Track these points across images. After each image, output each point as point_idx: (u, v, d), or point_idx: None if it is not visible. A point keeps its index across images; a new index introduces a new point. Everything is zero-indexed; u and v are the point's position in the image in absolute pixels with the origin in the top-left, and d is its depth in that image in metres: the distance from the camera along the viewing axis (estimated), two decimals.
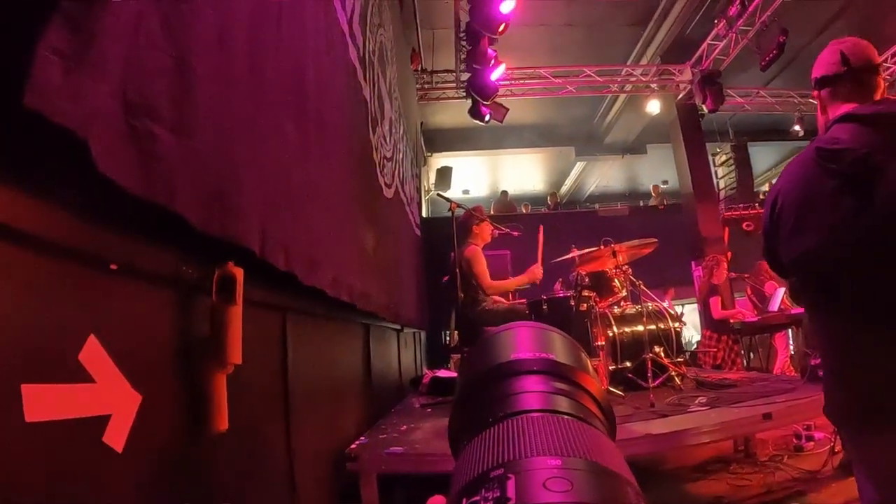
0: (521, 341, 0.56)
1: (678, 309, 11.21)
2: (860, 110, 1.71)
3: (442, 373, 5.90)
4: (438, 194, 4.94)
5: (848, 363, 1.70)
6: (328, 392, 2.80)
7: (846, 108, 1.76)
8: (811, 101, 10.43)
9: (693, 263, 10.74)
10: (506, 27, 6.78)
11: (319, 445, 2.52)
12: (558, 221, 12.75)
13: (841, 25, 9.68)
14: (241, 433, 1.58)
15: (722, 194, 12.29)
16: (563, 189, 17.05)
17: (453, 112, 10.92)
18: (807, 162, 1.74)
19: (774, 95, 11.58)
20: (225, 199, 1.41)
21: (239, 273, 1.45)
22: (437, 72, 9.80)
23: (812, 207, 1.69)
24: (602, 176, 16.11)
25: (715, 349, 7.01)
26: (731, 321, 6.90)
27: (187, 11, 1.25)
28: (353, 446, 2.85)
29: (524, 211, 14.01)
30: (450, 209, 4.97)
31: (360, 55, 3.55)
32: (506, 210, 13.19)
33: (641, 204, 15.35)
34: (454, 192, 14.49)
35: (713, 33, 9.16)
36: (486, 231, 5.35)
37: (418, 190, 8.81)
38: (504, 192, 14.15)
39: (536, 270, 5.23)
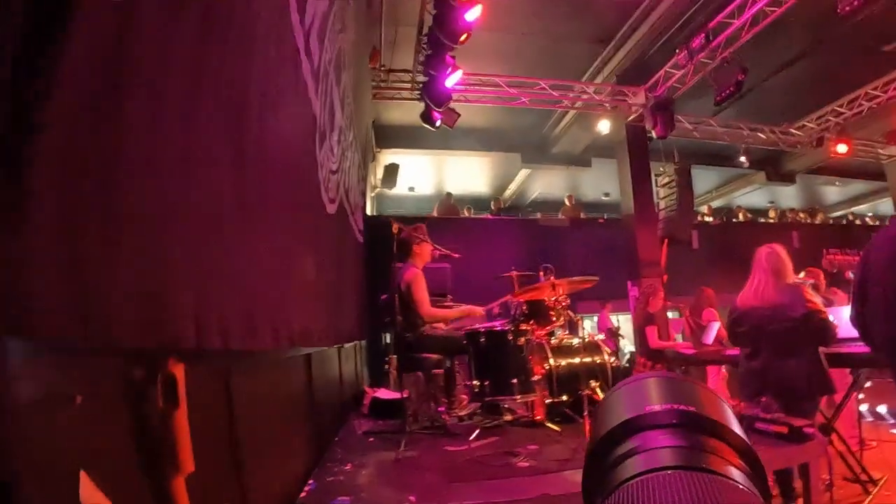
0: (653, 393, 0.56)
1: (615, 321, 11.49)
2: None
3: (382, 393, 5.84)
4: (383, 217, 4.79)
5: None
6: (275, 436, 2.71)
7: None
8: (759, 134, 10.93)
9: (629, 283, 10.90)
10: (467, 37, 6.64)
11: (270, 493, 2.45)
12: (500, 227, 12.81)
13: (800, 66, 10.02)
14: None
15: (661, 214, 12.53)
16: (507, 193, 17.09)
17: (405, 109, 10.72)
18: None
19: (724, 126, 11.86)
20: (157, 301, 1.29)
21: (179, 372, 1.38)
22: (394, 71, 9.56)
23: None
24: (546, 184, 16.21)
25: None
26: (668, 350, 7.00)
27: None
28: (302, 495, 2.80)
29: (467, 214, 13.94)
30: (392, 228, 4.82)
31: (313, 69, 3.35)
32: (449, 213, 13.09)
33: (583, 216, 15.57)
34: (400, 189, 14.34)
35: (672, 61, 9.23)
36: (426, 251, 5.30)
37: (363, 194, 8.58)
38: (448, 195, 14.04)
39: (478, 311, 5.25)
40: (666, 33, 9.00)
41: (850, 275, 4.23)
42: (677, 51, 8.69)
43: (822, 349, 3.91)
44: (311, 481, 3.06)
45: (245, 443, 2.08)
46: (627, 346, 12.89)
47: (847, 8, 6.54)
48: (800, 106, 11.73)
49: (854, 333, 4.28)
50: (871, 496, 4.18)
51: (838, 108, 11.37)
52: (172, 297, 1.38)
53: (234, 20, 1.84)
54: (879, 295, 1.76)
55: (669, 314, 10.54)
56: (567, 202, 14.52)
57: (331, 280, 4.35)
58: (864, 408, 6.61)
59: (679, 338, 12.23)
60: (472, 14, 6.63)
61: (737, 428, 0.50)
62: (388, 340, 9.11)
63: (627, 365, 12.36)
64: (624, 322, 12.81)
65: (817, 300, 3.87)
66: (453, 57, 7.57)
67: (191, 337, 1.44)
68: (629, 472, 0.44)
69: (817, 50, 9.58)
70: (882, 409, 6.70)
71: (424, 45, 7.69)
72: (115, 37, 1.08)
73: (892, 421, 6.53)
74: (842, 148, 11.41)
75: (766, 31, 7.93)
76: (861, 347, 4.12)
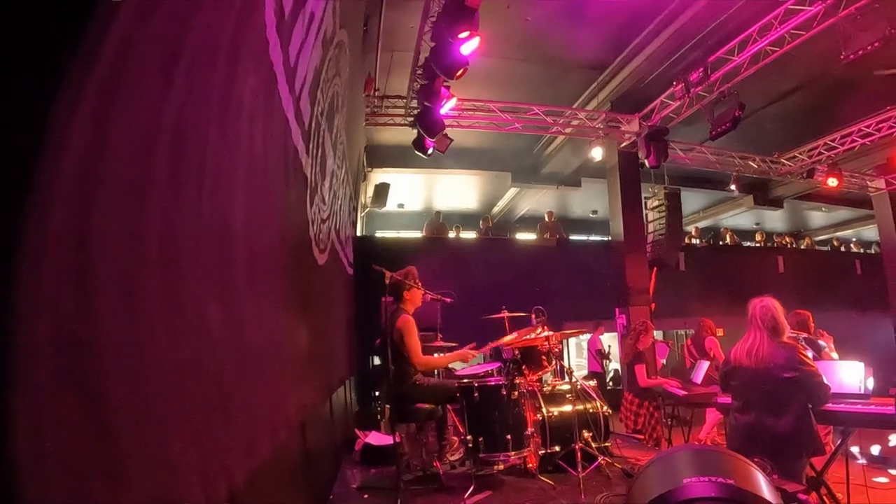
0: (688, 465, 0.64)
1: (606, 344, 11.50)
2: None
3: (373, 438, 5.78)
4: (374, 267, 4.66)
5: None
6: None
7: None
8: (750, 163, 10.97)
9: (617, 310, 10.86)
10: (464, 72, 6.51)
11: None
12: (488, 248, 12.75)
13: (795, 99, 10.14)
14: None
15: (650, 238, 12.49)
16: (495, 210, 17.03)
17: (397, 130, 10.60)
18: None
19: (715, 153, 11.90)
20: (167, 491, 1.27)
21: None
22: (388, 97, 9.44)
23: None
24: (535, 202, 16.16)
25: (635, 414, 6.99)
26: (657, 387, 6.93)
27: None
28: None
29: (455, 234, 13.83)
30: (383, 275, 4.74)
31: (304, 130, 3.28)
32: (438, 232, 13.01)
33: (570, 237, 15.56)
34: (390, 206, 14.22)
35: (669, 92, 9.19)
36: (417, 296, 5.24)
37: (354, 223, 8.45)
38: (437, 213, 13.96)
39: (468, 353, 5.14)
40: (663, 64, 8.96)
41: None
42: (674, 82, 8.63)
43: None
44: None
45: None
46: (613, 364, 12.95)
47: (851, 56, 6.56)
48: (792, 137, 11.83)
49: (844, 389, 4.27)
50: None
51: (831, 143, 11.47)
52: (181, 480, 1.35)
53: (214, 110, 1.74)
54: None
55: (655, 333, 10.57)
56: (546, 217, 14.42)
57: (322, 336, 4.28)
58: (855, 449, 6.60)
59: (664, 362, 12.29)
60: (468, 47, 6.50)
61: (772, 497, 0.46)
62: (376, 362, 9.02)
63: (611, 384, 12.43)
64: (612, 340, 12.84)
65: (809, 356, 3.82)
66: (448, 87, 7.46)
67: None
68: None
69: (813, 84, 9.67)
70: (875, 449, 6.68)
71: (419, 76, 7.58)
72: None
73: (880, 465, 6.50)
74: (832, 182, 11.55)
75: (765, 65, 7.92)
76: (850, 406, 4.09)
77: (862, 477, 5.18)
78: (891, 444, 6.62)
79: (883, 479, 6.01)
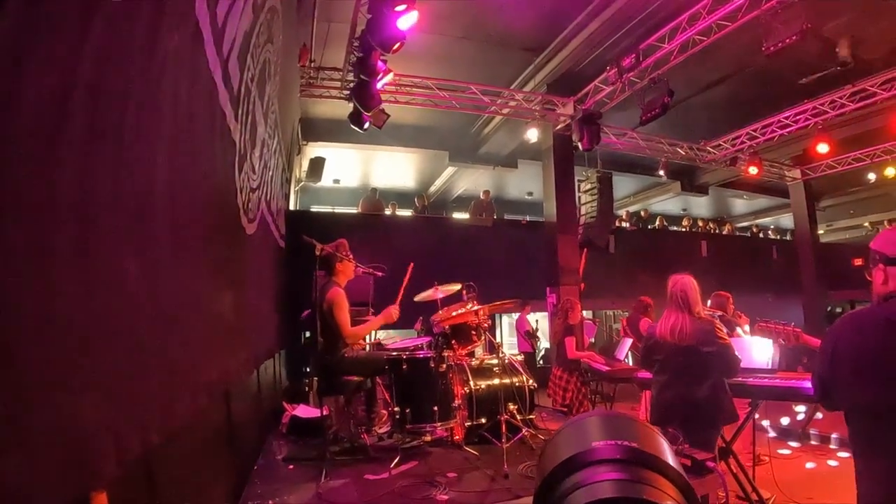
0: (597, 429, 0.63)
1: (533, 321, 11.70)
2: None
3: (301, 410, 5.74)
4: (304, 238, 4.62)
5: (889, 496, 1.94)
6: (193, 476, 2.62)
7: None
8: (678, 150, 11.38)
9: (548, 289, 11.09)
10: (400, 46, 6.46)
11: None
12: (424, 226, 12.77)
13: (722, 90, 10.62)
14: None
15: (582, 220, 12.79)
16: (432, 189, 17.05)
17: (333, 104, 10.45)
18: (875, 323, 2.06)
19: (646, 139, 12.29)
20: (73, 446, 1.23)
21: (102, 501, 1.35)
22: (324, 68, 9.29)
23: (877, 362, 1.98)
24: (472, 182, 16.27)
25: (563, 389, 7.18)
26: (583, 361, 7.14)
27: None
28: None
29: (391, 211, 13.77)
30: (314, 247, 4.70)
31: (232, 96, 3.19)
32: (374, 208, 12.92)
33: (506, 217, 15.73)
34: (325, 182, 14.00)
35: (603, 76, 9.42)
36: (348, 269, 5.21)
37: (287, 196, 8.29)
38: (374, 190, 13.85)
39: (393, 311, 5.17)
40: (598, 48, 9.18)
41: (781, 341, 4.51)
42: (608, 67, 8.84)
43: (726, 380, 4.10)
44: None
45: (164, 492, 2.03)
46: (544, 342, 13.22)
47: (772, 48, 6.90)
48: (717, 126, 12.42)
49: (753, 364, 4.55)
50: None
51: (752, 132, 12.16)
52: (91, 435, 1.32)
53: (136, 66, 1.69)
54: (845, 367, 2.10)
55: (585, 313, 10.90)
56: (482, 196, 14.52)
57: (250, 307, 4.20)
58: (766, 423, 7.03)
59: (592, 340, 12.66)
60: (407, 22, 6.46)
61: (673, 461, 0.53)
62: (307, 336, 8.95)
63: (542, 362, 12.73)
64: (542, 319, 13.09)
65: (724, 332, 4.04)
66: (385, 61, 7.39)
67: (111, 459, 1.38)
68: None
69: (738, 76, 10.13)
70: (765, 422, 7.10)
71: (356, 48, 7.47)
72: None
73: (775, 435, 6.95)
74: (753, 170, 12.29)
75: (694, 54, 8.22)
76: (759, 380, 4.37)
77: (767, 448, 5.53)
78: (798, 416, 7.09)
79: (786, 451, 6.44)
